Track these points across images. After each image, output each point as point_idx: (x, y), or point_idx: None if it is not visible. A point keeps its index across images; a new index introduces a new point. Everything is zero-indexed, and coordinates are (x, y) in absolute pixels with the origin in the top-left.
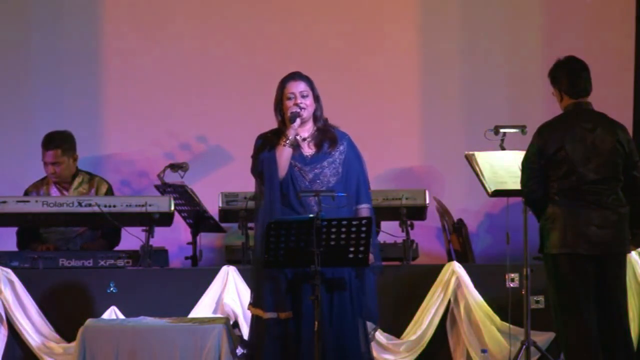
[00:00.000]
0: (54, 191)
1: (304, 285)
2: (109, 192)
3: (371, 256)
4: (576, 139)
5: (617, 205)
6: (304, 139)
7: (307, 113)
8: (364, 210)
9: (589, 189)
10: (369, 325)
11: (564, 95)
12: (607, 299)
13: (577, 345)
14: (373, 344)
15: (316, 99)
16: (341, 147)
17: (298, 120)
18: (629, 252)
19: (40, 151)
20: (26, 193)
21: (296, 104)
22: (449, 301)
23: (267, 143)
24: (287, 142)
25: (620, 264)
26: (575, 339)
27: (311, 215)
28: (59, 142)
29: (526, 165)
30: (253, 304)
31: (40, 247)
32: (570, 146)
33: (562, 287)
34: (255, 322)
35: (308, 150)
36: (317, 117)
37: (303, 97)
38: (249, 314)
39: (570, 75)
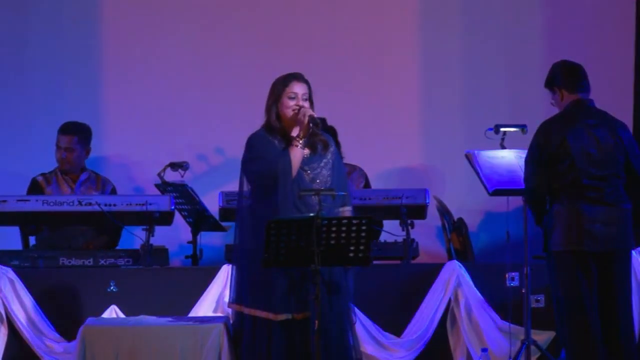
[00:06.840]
0: (64, 185)
1: (307, 285)
2: (113, 193)
3: None
4: (578, 134)
5: (619, 201)
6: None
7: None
8: (347, 212)
9: (591, 184)
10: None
11: (564, 92)
12: (611, 295)
13: (579, 342)
14: (373, 343)
15: (311, 103)
16: (332, 149)
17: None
18: (634, 248)
19: (39, 149)
20: (34, 181)
21: (300, 106)
22: (449, 300)
23: (267, 143)
24: (300, 143)
25: (625, 261)
26: (577, 335)
27: (311, 214)
28: (76, 130)
29: (529, 160)
30: (250, 304)
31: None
32: (571, 142)
33: (566, 284)
34: (254, 323)
35: (305, 151)
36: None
37: (304, 100)
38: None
39: (566, 70)
